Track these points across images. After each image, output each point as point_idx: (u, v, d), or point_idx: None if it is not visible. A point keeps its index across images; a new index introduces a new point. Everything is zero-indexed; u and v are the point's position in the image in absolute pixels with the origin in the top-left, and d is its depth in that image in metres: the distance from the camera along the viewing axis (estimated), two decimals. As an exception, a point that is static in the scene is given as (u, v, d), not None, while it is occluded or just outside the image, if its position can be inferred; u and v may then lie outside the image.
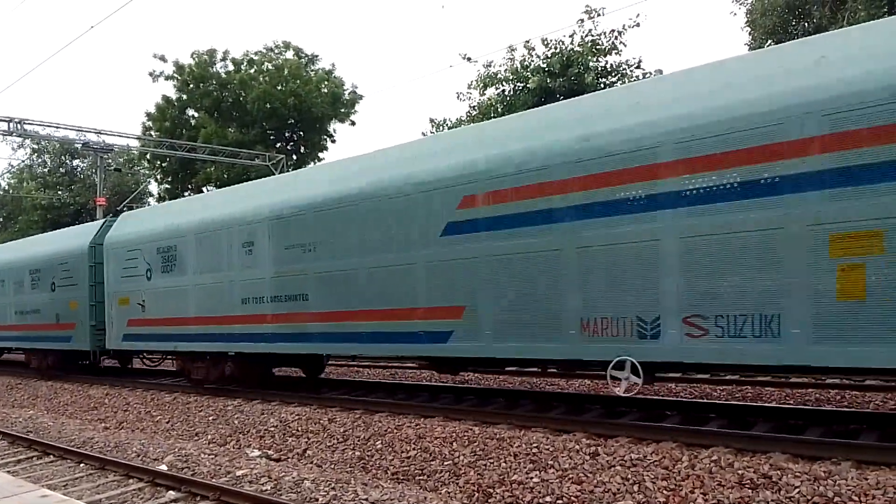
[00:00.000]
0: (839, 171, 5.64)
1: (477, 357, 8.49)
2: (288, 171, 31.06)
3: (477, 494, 6.28)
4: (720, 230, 6.22)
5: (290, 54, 37.84)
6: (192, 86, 36.27)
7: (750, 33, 23.85)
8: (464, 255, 8.17)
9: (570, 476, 6.15)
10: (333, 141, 39.18)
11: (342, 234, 9.53)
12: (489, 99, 22.63)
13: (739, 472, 5.61)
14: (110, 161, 32.29)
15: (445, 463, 7.03)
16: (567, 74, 20.53)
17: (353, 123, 38.95)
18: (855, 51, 5.96)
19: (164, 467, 7.90)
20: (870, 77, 5.61)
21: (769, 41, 21.81)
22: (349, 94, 38.25)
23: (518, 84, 21.86)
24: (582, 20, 21.30)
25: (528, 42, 22.50)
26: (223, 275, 11.42)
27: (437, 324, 8.47)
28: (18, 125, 25.87)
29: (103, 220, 16.36)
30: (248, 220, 11.01)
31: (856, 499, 4.95)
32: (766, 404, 8.77)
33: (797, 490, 5.18)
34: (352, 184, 9.60)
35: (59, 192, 43.05)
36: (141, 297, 13.25)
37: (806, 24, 21.70)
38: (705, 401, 9.00)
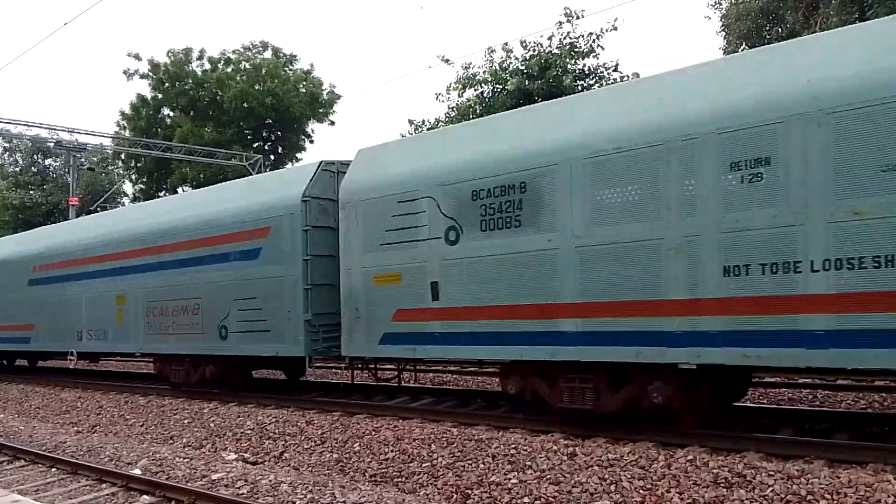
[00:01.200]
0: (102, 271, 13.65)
1: (46, 351, 16.49)
2: (266, 170, 30.81)
3: (455, 496, 6.28)
4: (99, 291, 13.62)
5: (268, 54, 37.58)
6: (167, 84, 35.86)
7: (725, 37, 24.15)
8: (34, 296, 15.75)
9: (548, 477, 6.17)
10: (312, 141, 39.01)
11: (5, 280, 17.09)
12: (468, 100, 22.65)
13: (714, 471, 5.67)
14: (83, 160, 31.78)
15: (424, 464, 7.02)
16: (545, 77, 20.59)
17: (332, 123, 38.81)
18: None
19: (137, 471, 7.79)
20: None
21: (743, 45, 22.10)
22: (327, 94, 38.06)
23: (497, 86, 21.90)
24: (560, 23, 21.42)
25: (506, 44, 22.47)
26: None
27: (25, 334, 16.19)
28: (-11, 123, 25.40)
29: None
30: None
31: (828, 497, 5.03)
32: (741, 404, 8.87)
33: (771, 489, 5.25)
34: (5, 252, 17.67)
35: (31, 192, 42.25)
36: None
37: (780, 28, 22.01)
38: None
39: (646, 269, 6.49)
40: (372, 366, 10.06)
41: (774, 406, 8.55)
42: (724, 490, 5.39)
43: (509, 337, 7.51)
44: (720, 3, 24.61)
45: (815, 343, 5.63)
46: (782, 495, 5.16)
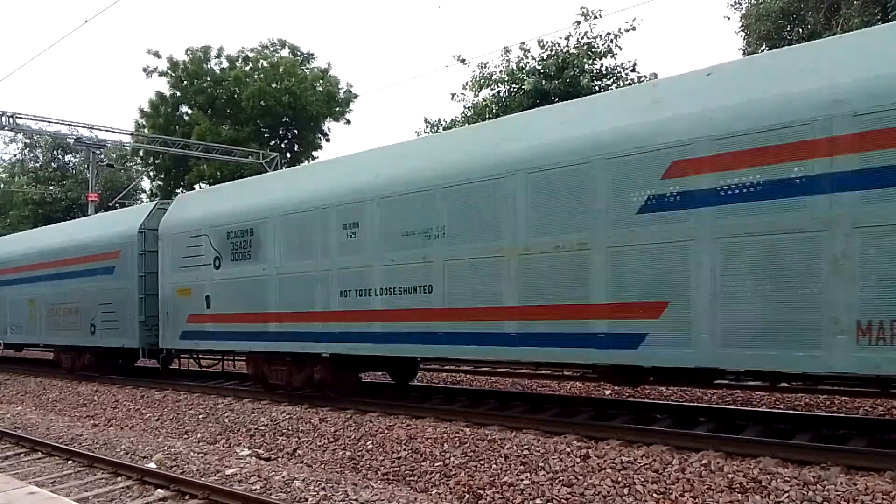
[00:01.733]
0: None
1: None
2: (283, 168, 30.92)
3: (467, 496, 6.27)
4: (18, 295, 17.34)
5: (285, 52, 37.65)
6: (185, 82, 36.05)
7: (744, 38, 23.91)
8: None
9: (561, 478, 6.15)
10: (328, 140, 39.07)
11: None
12: (484, 100, 22.60)
13: (729, 476, 5.62)
14: (103, 157, 32.03)
15: (436, 464, 7.03)
16: (562, 77, 20.51)
17: (348, 122, 38.84)
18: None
19: (152, 465, 7.86)
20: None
21: (763, 46, 21.88)
22: (344, 92, 38.08)
23: (513, 85, 21.85)
24: (578, 22, 21.32)
25: (523, 44, 22.35)
26: None
27: None
28: (10, 119, 25.65)
29: None
30: None
31: (845, 504, 4.97)
32: (757, 409, 8.80)
33: (786, 495, 5.20)
34: None
35: (51, 188, 42.74)
36: None
37: (800, 29, 21.77)
38: (695, 404, 9.02)
39: (307, 291, 9.82)
40: (196, 356, 13.18)
41: (791, 411, 8.46)
42: (739, 495, 5.35)
43: (248, 335, 10.79)
44: (740, 4, 24.37)
45: (377, 340, 8.92)
46: (798, 501, 5.10)
